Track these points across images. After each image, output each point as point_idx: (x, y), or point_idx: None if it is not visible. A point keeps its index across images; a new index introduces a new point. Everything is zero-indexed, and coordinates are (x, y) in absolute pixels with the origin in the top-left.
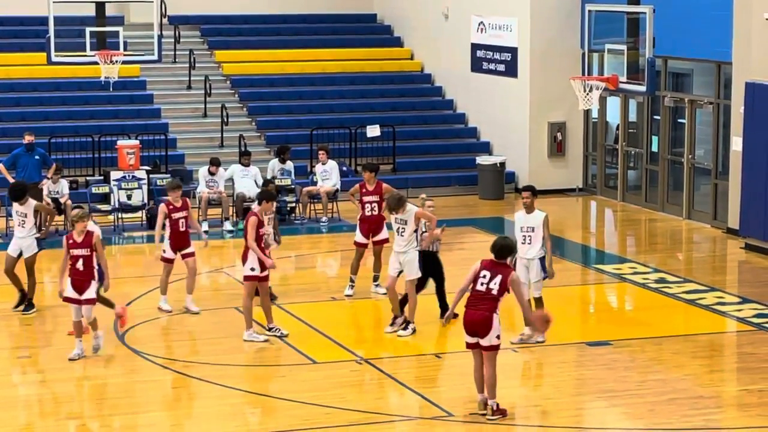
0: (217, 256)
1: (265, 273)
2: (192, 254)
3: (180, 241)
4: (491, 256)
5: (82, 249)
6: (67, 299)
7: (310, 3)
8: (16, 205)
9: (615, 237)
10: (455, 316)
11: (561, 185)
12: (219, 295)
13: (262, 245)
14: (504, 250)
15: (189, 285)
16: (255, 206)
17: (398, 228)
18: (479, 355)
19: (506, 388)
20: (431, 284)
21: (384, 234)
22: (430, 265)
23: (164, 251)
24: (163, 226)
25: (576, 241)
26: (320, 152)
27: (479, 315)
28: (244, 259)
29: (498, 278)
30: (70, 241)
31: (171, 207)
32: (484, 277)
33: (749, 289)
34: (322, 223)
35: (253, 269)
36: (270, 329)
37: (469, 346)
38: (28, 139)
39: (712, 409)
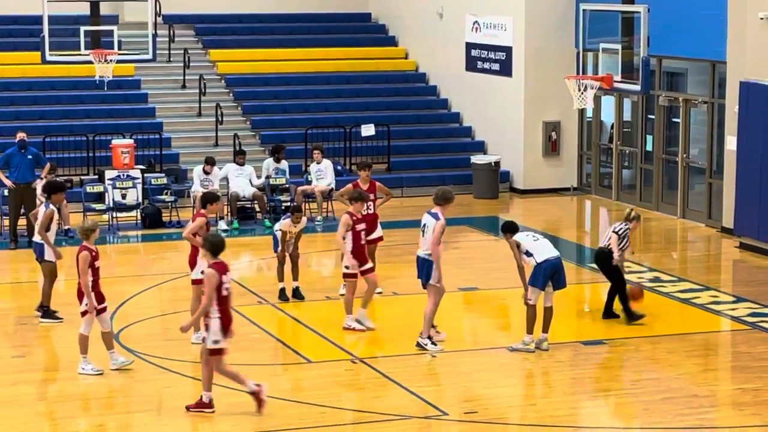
0: None
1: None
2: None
3: None
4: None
5: (98, 260)
6: (102, 310)
7: (304, 2)
8: None
9: None
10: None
11: (556, 184)
12: None
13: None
14: (218, 246)
15: None
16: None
17: (424, 229)
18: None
19: (501, 386)
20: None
21: (378, 232)
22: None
23: None
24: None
25: (571, 240)
26: (315, 151)
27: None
28: (192, 263)
29: (228, 276)
30: (94, 254)
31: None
32: (226, 281)
33: (744, 288)
34: (316, 222)
35: (203, 272)
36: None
37: (223, 352)
38: (19, 135)
39: (707, 408)
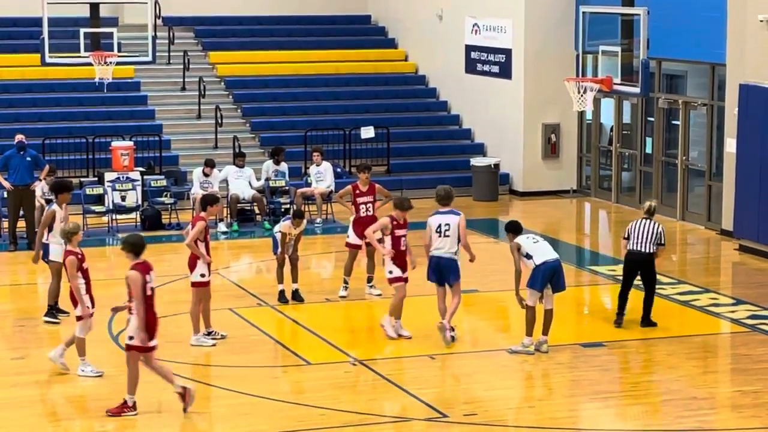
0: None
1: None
2: None
3: None
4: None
5: (85, 262)
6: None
7: (304, 4)
8: None
9: (609, 238)
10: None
11: (555, 187)
12: (213, 296)
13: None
14: (138, 246)
15: None
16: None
17: (444, 228)
18: None
19: (501, 389)
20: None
21: (377, 235)
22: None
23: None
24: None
25: (570, 242)
26: (314, 154)
27: None
28: (192, 265)
29: (151, 275)
30: (80, 257)
31: None
32: (150, 281)
33: (743, 290)
34: (316, 225)
35: (203, 275)
36: (209, 333)
37: (140, 349)
38: (18, 137)
39: (707, 410)
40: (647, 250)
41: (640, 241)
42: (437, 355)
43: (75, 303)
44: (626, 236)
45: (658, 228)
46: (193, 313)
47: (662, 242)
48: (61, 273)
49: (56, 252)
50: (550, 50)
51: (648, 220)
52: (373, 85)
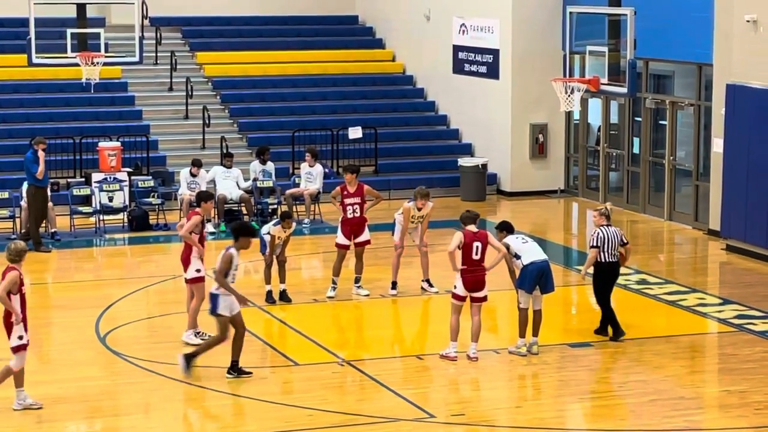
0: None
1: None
2: None
3: None
4: None
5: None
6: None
7: (291, 5)
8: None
9: None
10: None
11: (542, 187)
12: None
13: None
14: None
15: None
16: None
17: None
18: None
19: (488, 389)
20: None
21: (366, 235)
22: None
23: None
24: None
25: (558, 242)
26: (307, 154)
27: None
28: (185, 261)
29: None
30: (21, 276)
31: None
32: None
33: (730, 290)
34: (304, 225)
35: (198, 270)
36: (197, 334)
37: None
38: (39, 145)
39: (694, 410)
40: (616, 259)
41: (612, 248)
42: (425, 355)
43: (9, 329)
44: (596, 245)
45: (618, 232)
46: (194, 309)
47: (625, 241)
48: (228, 328)
49: (226, 304)
50: (537, 50)
51: (611, 227)
52: (360, 86)
